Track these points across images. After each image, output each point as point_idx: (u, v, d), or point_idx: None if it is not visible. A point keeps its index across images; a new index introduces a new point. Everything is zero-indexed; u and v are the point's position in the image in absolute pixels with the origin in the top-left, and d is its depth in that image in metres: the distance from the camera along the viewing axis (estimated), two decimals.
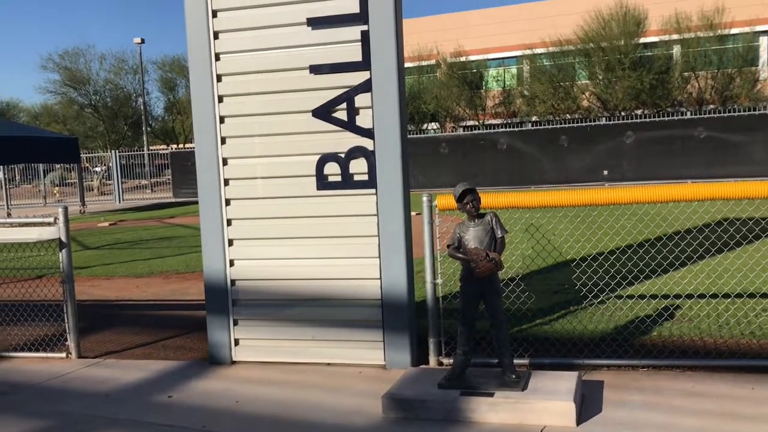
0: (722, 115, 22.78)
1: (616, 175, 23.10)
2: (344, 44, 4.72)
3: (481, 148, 24.99)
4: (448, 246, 4.09)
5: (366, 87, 4.70)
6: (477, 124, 35.80)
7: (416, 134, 31.62)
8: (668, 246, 7.62)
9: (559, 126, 24.90)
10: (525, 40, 35.15)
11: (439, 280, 4.78)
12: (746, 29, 30.23)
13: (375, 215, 4.74)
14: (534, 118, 33.42)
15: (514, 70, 37.65)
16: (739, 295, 5.99)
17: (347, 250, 4.83)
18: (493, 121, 35.77)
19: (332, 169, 4.83)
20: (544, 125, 28.69)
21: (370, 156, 4.73)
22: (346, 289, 4.82)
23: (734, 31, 30.04)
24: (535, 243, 7.90)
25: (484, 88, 36.26)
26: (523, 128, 27.25)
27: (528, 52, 34.15)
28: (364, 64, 4.68)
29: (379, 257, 4.72)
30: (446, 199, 4.50)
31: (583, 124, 24.25)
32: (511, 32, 37.71)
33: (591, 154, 23.46)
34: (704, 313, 5.63)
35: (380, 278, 4.72)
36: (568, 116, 31.84)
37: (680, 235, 9.17)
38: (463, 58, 35.90)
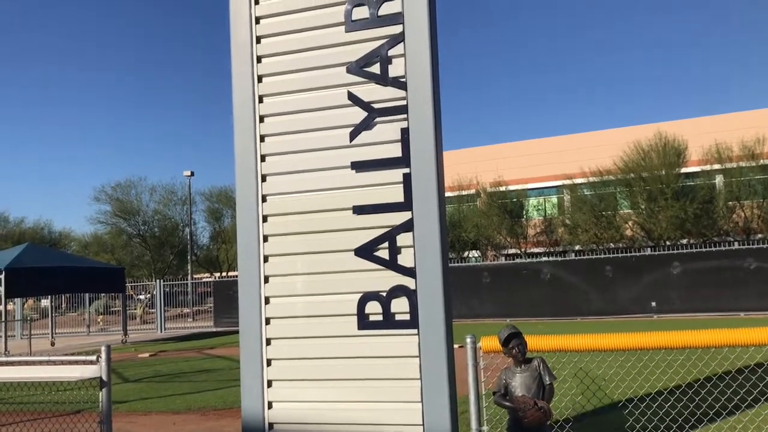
0: None
1: (664, 306, 22.45)
2: (386, 186, 4.80)
3: (524, 277, 24.71)
4: (494, 393, 3.93)
5: (408, 227, 4.72)
6: (519, 252, 35.68)
7: (457, 262, 31.61)
8: (729, 388, 7.21)
9: (603, 256, 24.63)
10: (564, 170, 35.65)
11: (485, 428, 4.55)
12: None
13: (417, 357, 4.61)
14: (577, 247, 33.20)
15: (554, 199, 37.93)
16: None
17: (388, 394, 4.66)
18: (536, 250, 35.64)
19: (374, 308, 4.77)
20: (588, 254, 28.43)
21: (411, 295, 4.67)
22: None
23: None
24: (585, 388, 7.57)
25: (524, 216, 36.44)
26: (567, 257, 26.98)
27: (568, 182, 34.48)
28: (406, 205, 4.73)
29: (422, 401, 4.54)
30: (491, 341, 4.38)
31: (629, 254, 23.94)
32: (550, 163, 38.38)
33: (638, 285, 22.95)
34: None
35: (423, 424, 4.51)
36: (611, 245, 31.56)
37: (744, 374, 8.70)
38: (502, 188, 36.40)
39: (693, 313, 21.83)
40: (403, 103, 4.78)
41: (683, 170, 31.00)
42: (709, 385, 8.16)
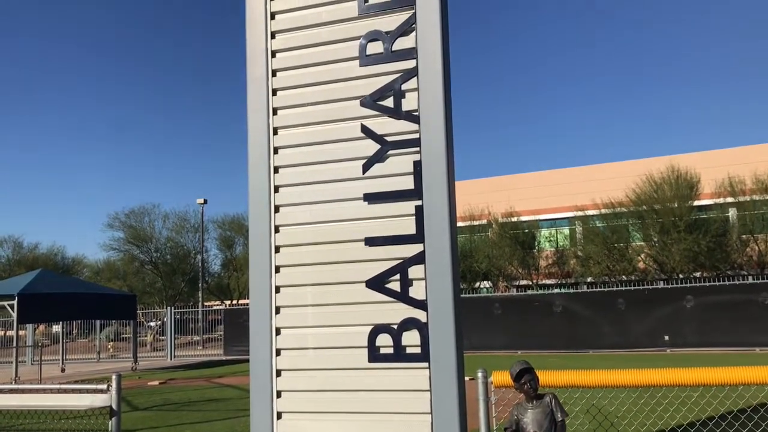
0: None
1: (677, 340, 22.20)
2: (399, 218, 4.81)
3: (536, 309, 24.54)
4: (505, 429, 3.89)
5: (419, 259, 4.71)
6: (530, 283, 35.48)
7: (469, 293, 31.47)
8: (745, 427, 7.09)
9: (615, 288, 24.45)
10: (576, 201, 35.61)
11: None
12: None
13: (428, 390, 4.58)
14: (589, 279, 32.98)
15: (566, 230, 37.81)
16: None
17: (398, 428, 4.62)
18: (548, 281, 35.44)
19: (384, 341, 4.74)
20: (600, 287, 28.25)
21: (423, 328, 4.65)
22: None
23: None
24: (597, 425, 7.46)
25: (536, 248, 36.29)
26: (579, 290, 26.81)
27: (580, 213, 34.39)
28: (418, 237, 4.73)
29: None
30: (502, 376, 4.35)
31: (641, 287, 23.77)
32: (562, 194, 38.35)
33: (650, 318, 22.73)
34: None
35: None
36: (624, 278, 31.34)
37: (759, 412, 8.57)
38: (514, 219, 36.34)
39: (707, 347, 21.57)
40: (416, 136, 4.82)
41: (696, 203, 30.85)
42: (724, 424, 8.03)
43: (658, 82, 79.06)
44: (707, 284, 23.00)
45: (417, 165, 4.79)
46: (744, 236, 30.01)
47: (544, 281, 35.55)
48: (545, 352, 23.24)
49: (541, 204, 38.84)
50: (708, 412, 8.81)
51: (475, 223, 37.25)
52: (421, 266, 4.70)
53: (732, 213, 30.88)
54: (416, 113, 4.84)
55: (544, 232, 37.48)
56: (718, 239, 29.57)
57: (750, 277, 26.95)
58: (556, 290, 27.89)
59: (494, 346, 24.06)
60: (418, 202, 4.76)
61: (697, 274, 29.65)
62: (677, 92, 78.41)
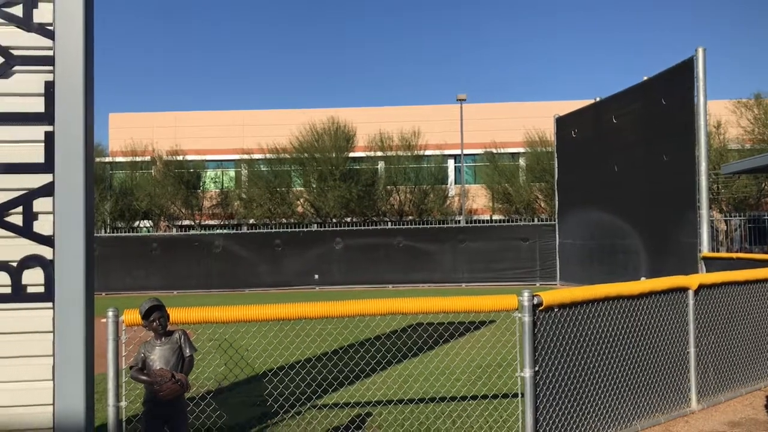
0: (418, 226, 25.22)
1: (326, 279, 24.06)
2: (24, 144, 4.34)
3: (196, 249, 24.43)
4: (131, 367, 3.81)
5: (47, 191, 4.33)
6: (193, 224, 35.14)
7: (126, 232, 30.06)
8: (368, 353, 7.96)
9: (273, 230, 25.48)
10: (242, 144, 36.07)
11: (123, 403, 4.39)
12: (437, 152, 34.52)
13: (51, 332, 4.26)
14: (251, 221, 33.81)
15: (232, 172, 38.04)
16: (422, 400, 6.43)
17: (16, 373, 4.24)
18: (211, 222, 35.44)
19: (2, 280, 4.28)
20: (262, 229, 29.20)
21: (48, 266, 4.30)
22: (10, 418, 4.19)
23: (428, 153, 34.15)
24: (228, 359, 7.73)
25: (201, 188, 35.91)
26: (239, 231, 27.33)
27: (246, 156, 34.88)
28: (47, 167, 4.33)
29: (53, 380, 4.21)
30: (135, 315, 4.23)
31: (297, 229, 25.13)
32: (229, 136, 38.53)
33: (303, 259, 24.23)
34: (392, 417, 5.92)
35: (53, 404, 4.20)
36: (284, 220, 32.81)
37: (380, 340, 9.70)
38: (180, 157, 35.39)
39: (351, 285, 23.81)
40: (50, 53, 4.35)
41: (351, 155, 33.43)
42: (351, 351, 8.95)
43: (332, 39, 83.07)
44: (354, 228, 25.25)
45: (49, 86, 4.35)
46: (389, 187, 33.47)
47: (207, 222, 35.43)
48: (202, 292, 23.38)
49: (208, 144, 38.45)
50: (339, 342, 9.73)
51: (138, 159, 35.41)
52: (50, 199, 4.32)
53: (380, 166, 34.15)
54: (51, 27, 4.36)
55: (210, 172, 37.21)
56: (368, 188, 32.53)
57: (390, 223, 30.31)
58: (218, 231, 28.05)
59: (150, 287, 23.44)
60: (49, 128, 4.33)
61: (348, 219, 32.37)
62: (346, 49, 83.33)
